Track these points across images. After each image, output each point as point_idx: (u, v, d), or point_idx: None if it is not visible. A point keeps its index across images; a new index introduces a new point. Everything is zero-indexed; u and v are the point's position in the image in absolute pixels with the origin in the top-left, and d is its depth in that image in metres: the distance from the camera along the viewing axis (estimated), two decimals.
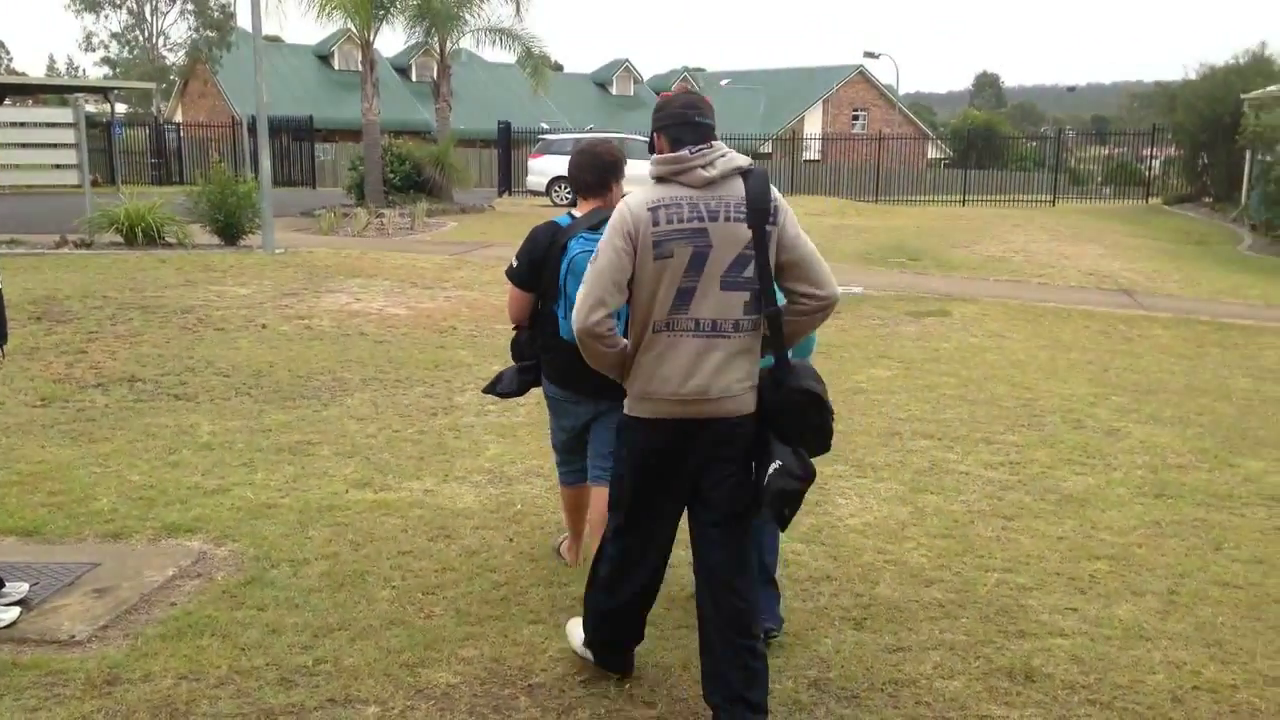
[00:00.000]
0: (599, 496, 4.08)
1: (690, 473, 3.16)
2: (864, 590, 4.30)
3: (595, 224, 3.85)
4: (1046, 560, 4.64)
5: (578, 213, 4.04)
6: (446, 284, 11.91)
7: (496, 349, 8.48)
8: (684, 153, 3.08)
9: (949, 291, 13.01)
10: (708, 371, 3.06)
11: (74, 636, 3.74)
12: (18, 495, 4.98)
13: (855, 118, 54.37)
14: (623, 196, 3.20)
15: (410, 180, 23.02)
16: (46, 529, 4.74)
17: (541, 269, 3.99)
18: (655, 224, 3.02)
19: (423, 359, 8.33)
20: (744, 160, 3.15)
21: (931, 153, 48.51)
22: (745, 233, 3.04)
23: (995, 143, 46.47)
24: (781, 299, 3.13)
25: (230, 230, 14.92)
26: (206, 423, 6.45)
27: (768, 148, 43.45)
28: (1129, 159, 36.82)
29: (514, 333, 4.33)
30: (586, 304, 3.04)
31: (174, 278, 11.36)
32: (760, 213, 3.05)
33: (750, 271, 3.05)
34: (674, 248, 3.02)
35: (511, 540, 4.74)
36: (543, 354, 4.17)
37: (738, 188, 3.09)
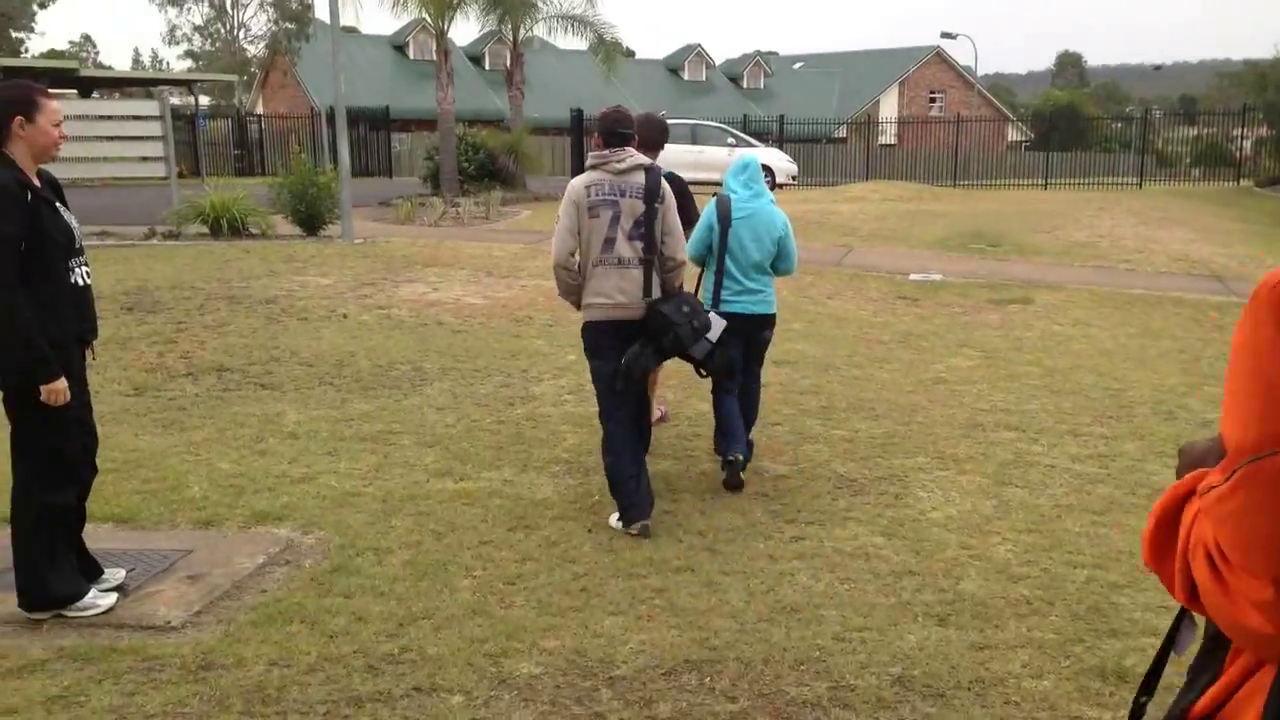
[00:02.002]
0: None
1: (620, 347, 4.84)
2: (948, 586, 4.23)
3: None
4: (1138, 557, 4.52)
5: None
6: (522, 273, 11.98)
7: (572, 337, 8.50)
8: (606, 151, 4.89)
9: (1032, 278, 12.73)
10: (625, 288, 4.83)
11: (169, 622, 3.85)
12: (113, 483, 5.14)
13: (932, 100, 53.43)
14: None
15: (485, 169, 23.21)
16: (141, 516, 4.88)
17: None
18: (588, 195, 4.85)
19: (499, 348, 8.40)
20: (645, 160, 4.96)
21: (1011, 135, 47.48)
22: (641, 206, 4.84)
23: (1078, 124, 45.25)
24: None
25: (311, 220, 15.20)
26: (292, 411, 6.59)
27: (842, 132, 42.91)
28: (1218, 139, 35.60)
29: None
30: (560, 247, 4.88)
31: (258, 268, 11.61)
32: (651, 194, 4.85)
33: (643, 230, 4.84)
34: (600, 210, 4.83)
35: (590, 531, 4.76)
36: None
37: (639, 177, 4.88)
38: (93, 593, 3.93)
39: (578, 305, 4.99)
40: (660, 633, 3.81)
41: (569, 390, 7.17)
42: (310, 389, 7.14)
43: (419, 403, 6.84)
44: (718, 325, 5.10)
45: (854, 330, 9.68)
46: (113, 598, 3.97)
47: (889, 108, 50.40)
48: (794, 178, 27.06)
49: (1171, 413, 6.91)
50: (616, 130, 4.91)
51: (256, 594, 4.10)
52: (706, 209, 5.69)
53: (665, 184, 4.93)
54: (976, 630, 3.84)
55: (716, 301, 5.54)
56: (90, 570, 4.03)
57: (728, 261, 5.56)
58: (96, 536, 4.33)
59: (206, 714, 3.25)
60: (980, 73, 55.85)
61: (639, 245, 4.83)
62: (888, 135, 40.66)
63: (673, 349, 4.93)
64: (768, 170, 25.71)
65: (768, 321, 5.72)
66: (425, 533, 4.70)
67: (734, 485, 5.36)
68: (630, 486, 4.81)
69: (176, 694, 3.34)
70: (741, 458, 5.43)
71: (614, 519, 4.86)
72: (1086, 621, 3.91)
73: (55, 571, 3.83)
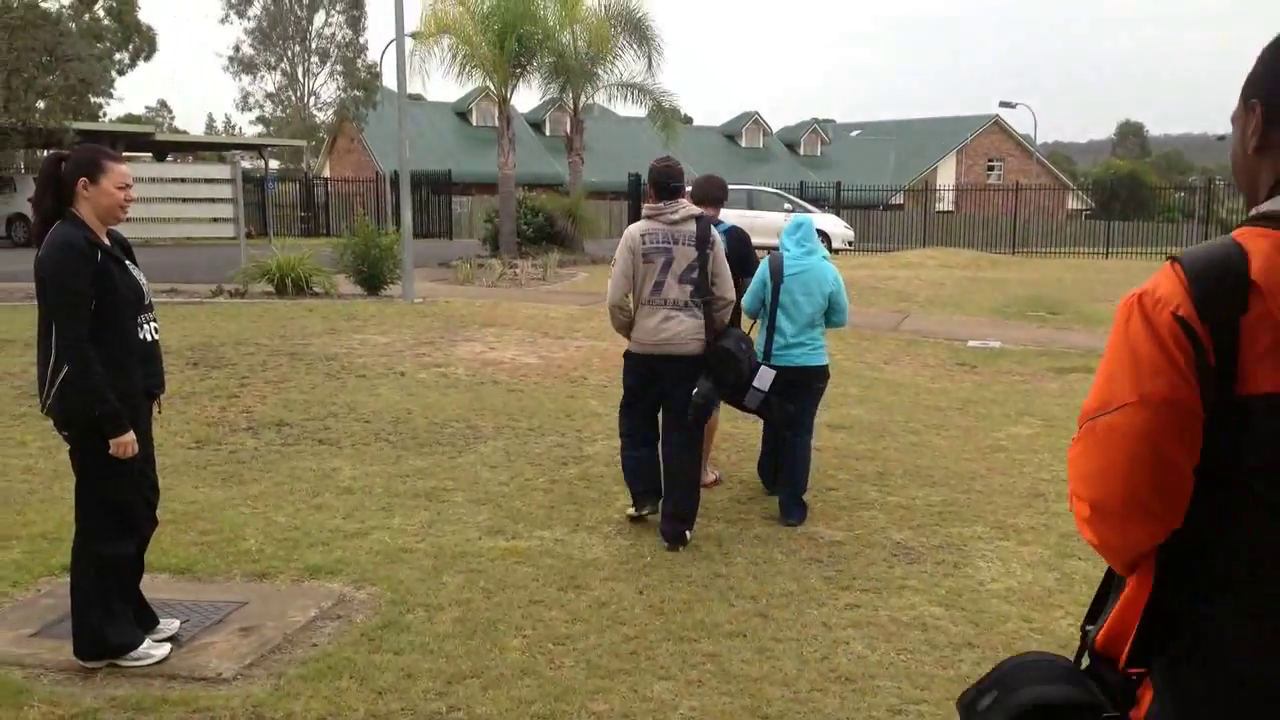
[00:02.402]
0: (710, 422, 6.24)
1: (659, 387, 5.51)
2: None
3: (715, 223, 5.94)
4: None
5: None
6: (577, 334, 12.05)
7: None
8: (661, 204, 5.46)
9: (1093, 346, 12.52)
10: (670, 328, 5.39)
11: (221, 674, 3.86)
12: (172, 534, 5.21)
13: (990, 168, 53.32)
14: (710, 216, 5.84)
15: (543, 232, 23.52)
16: (198, 567, 4.93)
17: None
18: (643, 243, 5.42)
19: (554, 408, 8.43)
20: (696, 211, 5.53)
21: (1071, 203, 47.13)
22: (693, 253, 5.41)
23: (1140, 193, 44.81)
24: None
25: (372, 280, 15.48)
26: (348, 467, 6.65)
27: (899, 198, 42.91)
28: None
29: None
30: (615, 290, 5.52)
31: (320, 326, 11.82)
32: (702, 241, 5.42)
33: (695, 275, 5.40)
34: (653, 256, 5.41)
35: (641, 593, 4.71)
36: None
37: (691, 226, 5.44)
38: (147, 643, 3.96)
39: (629, 338, 5.64)
40: (711, 699, 3.74)
41: None
42: (366, 445, 7.21)
43: (473, 460, 6.87)
44: (767, 376, 5.63)
45: (910, 396, 9.57)
46: (166, 648, 3.99)
47: (946, 175, 50.37)
48: (850, 243, 27.10)
49: None
50: (669, 184, 5.48)
51: (307, 648, 4.10)
52: (761, 266, 5.99)
53: (714, 231, 5.55)
54: None
55: (768, 355, 5.83)
56: (146, 620, 4.06)
57: (780, 316, 5.85)
58: (153, 587, 4.37)
59: None
60: (1039, 141, 55.66)
61: (688, 289, 5.40)
62: (945, 202, 40.56)
63: (734, 381, 5.52)
64: (824, 235, 25.77)
65: (819, 373, 5.98)
66: (476, 590, 4.68)
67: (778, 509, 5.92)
68: (641, 474, 5.66)
69: None
70: (792, 510, 5.87)
71: (630, 510, 5.72)
72: None
73: (111, 621, 3.87)
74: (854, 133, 58.31)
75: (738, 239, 6.19)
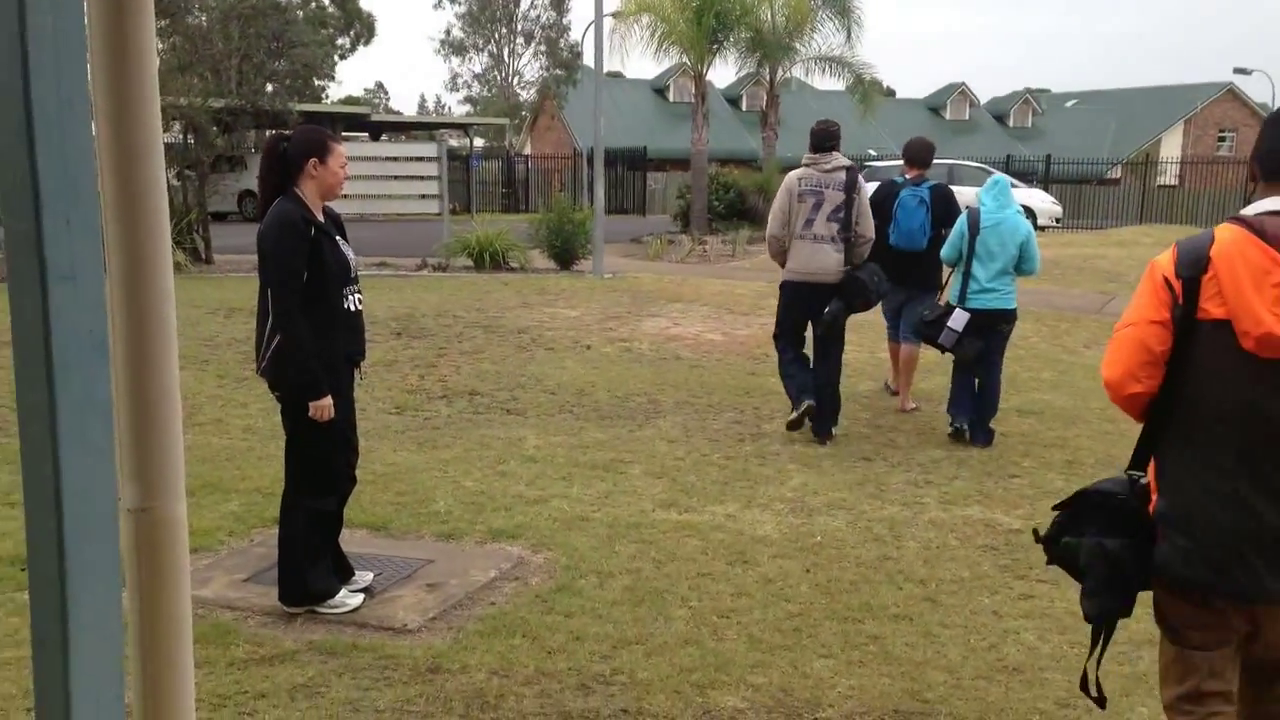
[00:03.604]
0: (908, 350, 7.66)
1: (810, 311, 6.72)
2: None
3: (918, 182, 7.43)
4: None
5: (907, 176, 7.55)
6: (762, 311, 12.05)
7: None
8: (817, 155, 6.70)
9: None
10: (818, 259, 6.62)
11: (406, 625, 4.15)
12: (371, 493, 5.59)
13: (1221, 139, 49.53)
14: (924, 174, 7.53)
15: (734, 208, 23.56)
16: (392, 525, 5.29)
17: (883, 204, 7.38)
18: (800, 185, 6.67)
19: (734, 385, 8.50)
20: (846, 162, 6.73)
21: None
22: (840, 196, 6.58)
23: None
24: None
25: (565, 255, 15.94)
26: (533, 436, 6.94)
27: (1115, 173, 40.49)
28: None
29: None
30: (773, 222, 6.75)
31: (513, 299, 12.29)
32: (849, 187, 6.59)
33: (841, 215, 6.57)
34: (806, 197, 6.63)
35: (808, 571, 4.74)
36: (880, 258, 7.02)
37: (841, 175, 6.64)
38: (343, 592, 4.30)
39: (783, 266, 6.84)
40: (871, 679, 3.75)
41: (800, 431, 7.15)
42: (551, 416, 7.49)
43: (651, 434, 7.03)
44: (961, 318, 6.60)
45: None
46: (360, 598, 4.32)
47: (1171, 147, 47.13)
48: (1058, 220, 25.79)
49: None
50: (824, 142, 6.75)
51: (486, 605, 4.35)
52: (959, 219, 6.89)
53: (860, 178, 6.75)
54: None
55: (963, 298, 6.71)
56: (343, 571, 4.40)
57: (975, 264, 6.67)
58: (352, 541, 4.73)
59: (430, 714, 3.48)
60: None
61: (835, 226, 6.59)
62: (1168, 176, 38.01)
63: (861, 307, 6.77)
64: (1029, 211, 24.65)
65: (1008, 316, 6.81)
66: (646, 560, 4.83)
67: (960, 437, 6.85)
68: (794, 377, 6.84)
69: (406, 693, 3.60)
70: (965, 427, 6.84)
71: (791, 415, 6.82)
72: None
73: (313, 570, 4.22)
74: (1070, 103, 55.30)
75: (941, 195, 7.38)
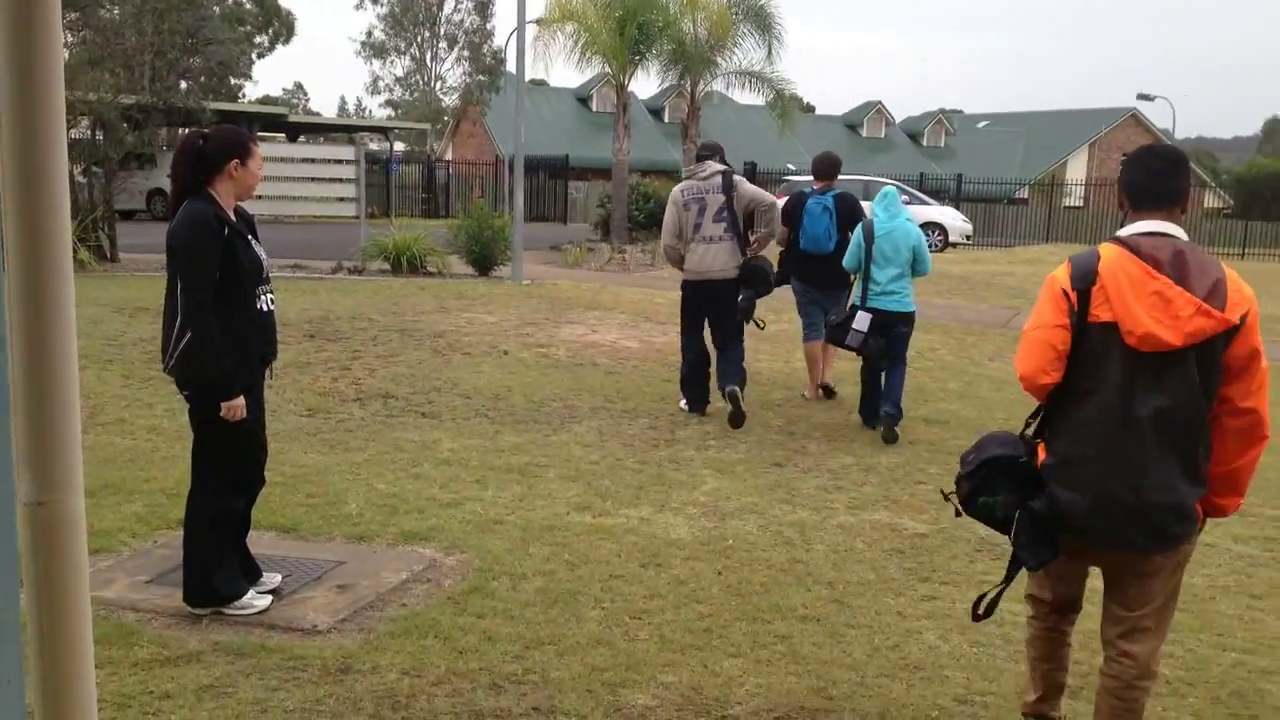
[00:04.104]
0: (813, 345, 8.37)
1: (706, 306, 7.63)
2: (1084, 659, 4.06)
3: (824, 192, 8.09)
4: None
5: (815, 187, 8.18)
6: (678, 318, 12.15)
7: None
8: (694, 166, 7.70)
9: None
10: (709, 259, 7.50)
11: (316, 626, 4.10)
12: (280, 495, 5.51)
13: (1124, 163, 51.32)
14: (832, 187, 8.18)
15: (654, 218, 23.63)
16: (302, 527, 5.22)
17: (793, 212, 8.17)
18: (684, 196, 7.59)
19: (650, 391, 8.56)
20: (720, 167, 7.58)
21: (1209, 202, 45.10)
22: (721, 198, 7.49)
23: None
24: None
25: (484, 261, 15.86)
26: (447, 440, 6.90)
27: (1024, 192, 41.69)
28: None
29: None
30: (666, 236, 7.74)
31: (430, 304, 12.20)
32: (727, 188, 7.51)
33: (725, 214, 7.47)
34: (691, 205, 7.53)
35: (720, 573, 4.81)
36: (791, 261, 8.31)
37: (717, 179, 7.53)
38: (251, 593, 4.23)
39: (681, 270, 7.75)
40: (779, 678, 3.82)
41: (714, 436, 7.25)
42: (466, 420, 7.46)
43: (567, 439, 7.05)
44: (864, 319, 7.17)
45: (1014, 394, 9.37)
46: (268, 600, 4.26)
47: (1077, 169, 48.74)
48: (968, 237, 26.48)
49: None
50: (701, 154, 7.77)
51: (397, 607, 4.32)
52: (855, 232, 7.49)
53: (737, 178, 7.67)
54: None
55: (865, 301, 7.28)
56: (251, 572, 4.34)
57: (873, 269, 7.26)
58: (260, 543, 4.66)
59: (340, 714, 3.45)
60: (1180, 136, 53.41)
61: (722, 225, 7.49)
62: (1073, 197, 39.27)
63: (765, 291, 7.60)
64: (939, 229, 25.26)
65: (906, 318, 7.38)
66: (560, 562, 4.85)
67: (888, 422, 7.29)
68: (694, 386, 7.78)
69: (315, 693, 3.57)
70: (891, 417, 7.31)
71: (681, 403, 7.87)
72: (1227, 706, 3.70)
73: (219, 571, 4.15)
74: (981, 124, 56.81)
75: (844, 202, 8.07)
